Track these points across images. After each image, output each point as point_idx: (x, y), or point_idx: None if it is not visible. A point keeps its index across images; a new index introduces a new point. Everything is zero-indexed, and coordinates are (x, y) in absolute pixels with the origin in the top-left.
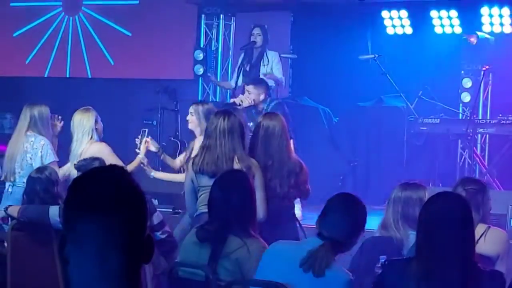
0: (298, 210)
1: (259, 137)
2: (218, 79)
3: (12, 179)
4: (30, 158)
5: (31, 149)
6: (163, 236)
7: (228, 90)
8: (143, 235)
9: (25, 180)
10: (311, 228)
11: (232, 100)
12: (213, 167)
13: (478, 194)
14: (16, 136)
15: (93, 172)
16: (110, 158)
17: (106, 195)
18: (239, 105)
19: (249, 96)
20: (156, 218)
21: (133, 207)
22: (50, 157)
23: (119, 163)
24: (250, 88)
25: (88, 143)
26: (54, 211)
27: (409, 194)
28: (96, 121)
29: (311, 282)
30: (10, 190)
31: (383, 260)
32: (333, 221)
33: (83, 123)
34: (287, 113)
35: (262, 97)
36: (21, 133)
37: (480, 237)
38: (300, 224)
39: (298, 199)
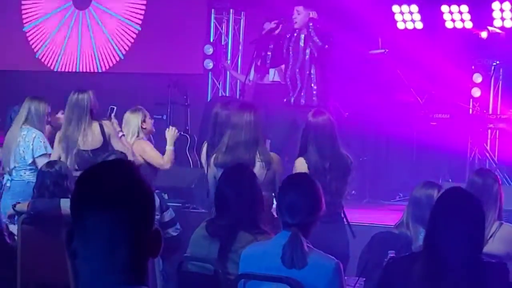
0: None
1: (310, 138)
2: (228, 74)
3: (8, 171)
4: (23, 151)
5: (23, 142)
6: (174, 234)
7: (238, 84)
8: (150, 229)
9: (22, 174)
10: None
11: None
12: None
13: (496, 185)
14: (13, 128)
15: (100, 166)
16: (152, 155)
17: (113, 190)
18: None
19: (297, 17)
20: (168, 216)
21: (140, 201)
22: (41, 149)
23: (160, 160)
24: (299, 8)
25: (132, 142)
26: (65, 204)
27: (422, 193)
28: (144, 121)
29: (298, 276)
30: (8, 184)
31: (391, 255)
32: (292, 206)
33: (130, 122)
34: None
35: (312, 16)
36: (17, 125)
37: (493, 234)
38: (349, 224)
39: None
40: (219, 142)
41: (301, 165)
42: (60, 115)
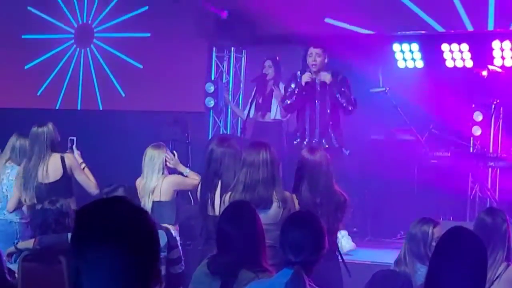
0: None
1: (304, 174)
2: (229, 111)
3: None
4: (6, 190)
5: (7, 180)
6: (179, 271)
7: (239, 122)
8: (154, 265)
9: (5, 213)
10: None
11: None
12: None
13: (505, 225)
14: None
15: (101, 202)
16: (188, 182)
17: (116, 225)
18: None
19: (317, 60)
20: (175, 254)
21: (140, 237)
22: None
23: (195, 181)
24: (318, 50)
25: (160, 179)
26: None
27: (419, 229)
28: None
29: None
30: None
31: None
32: (296, 243)
33: (154, 160)
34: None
35: (326, 60)
36: (1, 163)
37: (499, 275)
38: (340, 254)
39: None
40: (213, 179)
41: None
42: None
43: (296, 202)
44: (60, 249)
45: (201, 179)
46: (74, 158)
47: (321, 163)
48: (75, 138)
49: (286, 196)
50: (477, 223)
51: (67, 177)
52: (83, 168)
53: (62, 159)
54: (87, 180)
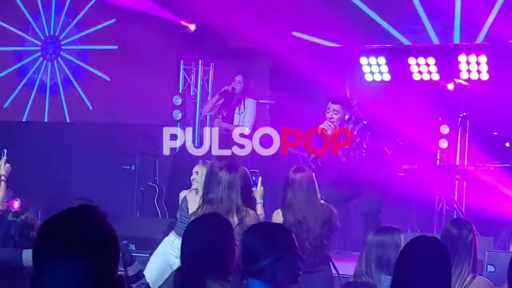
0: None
1: (289, 192)
2: (197, 125)
3: None
4: None
5: None
6: (143, 287)
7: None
8: (113, 275)
9: None
10: None
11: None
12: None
13: (471, 236)
14: None
15: (63, 213)
16: None
17: (75, 236)
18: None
19: (335, 117)
20: (132, 270)
21: (103, 247)
22: None
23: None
24: (336, 107)
25: None
26: (28, 254)
27: (382, 238)
28: None
29: None
30: None
31: None
32: (248, 253)
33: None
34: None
35: (347, 117)
36: None
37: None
38: (333, 264)
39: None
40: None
41: (276, 216)
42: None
43: (281, 217)
44: (12, 266)
45: (202, 194)
46: None
47: (301, 182)
48: (5, 151)
49: (244, 215)
50: (443, 234)
51: None
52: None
53: None
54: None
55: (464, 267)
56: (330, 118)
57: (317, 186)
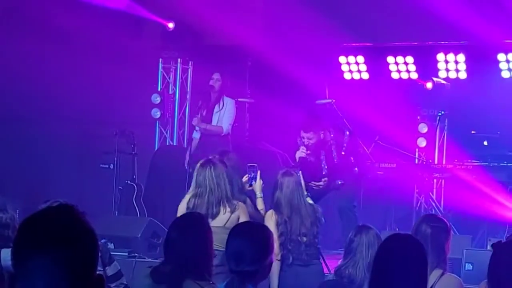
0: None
1: (278, 193)
2: (175, 124)
3: None
4: None
5: None
6: (122, 287)
7: (185, 133)
8: (93, 273)
9: None
10: None
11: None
12: (205, 211)
13: (442, 233)
14: None
15: (44, 211)
16: None
17: (54, 233)
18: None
19: (311, 142)
20: (111, 270)
21: (82, 245)
22: None
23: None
24: (309, 135)
25: None
26: (5, 254)
27: (364, 236)
28: None
29: None
30: None
31: None
32: (236, 252)
33: None
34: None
35: (322, 136)
36: None
37: (433, 285)
38: (324, 260)
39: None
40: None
41: (268, 216)
42: None
43: (274, 217)
44: None
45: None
46: None
47: (288, 185)
48: None
49: (234, 204)
50: (414, 230)
51: None
52: None
53: None
54: None
55: (433, 264)
56: (307, 145)
57: (304, 187)
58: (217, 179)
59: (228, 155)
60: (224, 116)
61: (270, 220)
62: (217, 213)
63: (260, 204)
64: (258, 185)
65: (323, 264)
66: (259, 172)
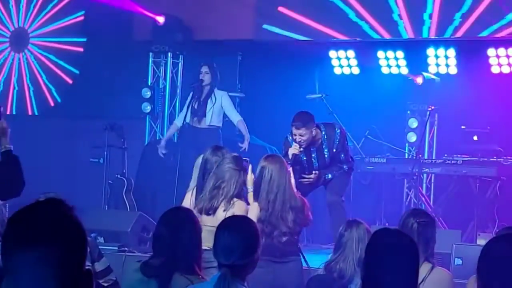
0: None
1: (261, 177)
2: (166, 118)
3: None
4: None
5: None
6: (105, 284)
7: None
8: (81, 268)
9: None
10: None
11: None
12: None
13: (428, 227)
14: None
15: (32, 205)
16: None
17: (41, 229)
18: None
19: (303, 139)
20: (100, 265)
21: (70, 240)
22: None
23: None
24: (301, 131)
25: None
26: None
27: (355, 231)
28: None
29: None
30: None
31: None
32: (225, 246)
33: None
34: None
35: (314, 132)
36: None
37: (424, 278)
38: (304, 257)
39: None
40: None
41: (253, 208)
42: None
43: (256, 210)
44: None
45: (196, 188)
46: None
47: (274, 168)
48: None
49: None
50: (400, 224)
51: None
52: None
53: None
54: None
55: (421, 258)
56: (299, 141)
57: (290, 176)
58: (215, 176)
59: (221, 150)
60: (227, 109)
61: (253, 211)
62: (215, 210)
63: (251, 198)
64: (249, 179)
65: (303, 260)
66: (250, 166)
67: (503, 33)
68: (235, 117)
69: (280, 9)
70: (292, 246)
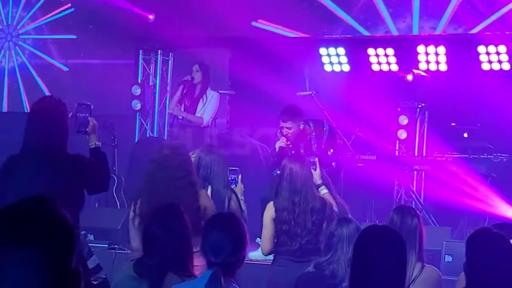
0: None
1: (284, 178)
2: (156, 115)
3: None
4: None
5: None
6: (95, 283)
7: (166, 125)
8: (69, 267)
9: None
10: None
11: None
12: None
13: (416, 224)
14: None
15: (19, 203)
16: None
17: (29, 226)
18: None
19: (290, 132)
20: (90, 263)
21: (56, 239)
22: None
23: None
24: (288, 124)
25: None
26: None
27: (345, 230)
28: None
29: None
30: None
31: None
32: (215, 244)
33: None
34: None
35: (302, 126)
36: None
37: (414, 278)
38: None
39: None
40: (203, 184)
41: (268, 209)
42: None
43: (272, 210)
44: None
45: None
46: None
47: (299, 170)
48: None
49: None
50: (387, 222)
51: None
52: None
53: None
54: None
55: (409, 256)
56: (286, 135)
57: (312, 176)
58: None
59: (212, 149)
60: (207, 108)
61: (269, 211)
62: None
63: (243, 206)
64: (239, 188)
65: None
66: (240, 176)
67: (493, 30)
68: (206, 117)
69: (269, 6)
70: (312, 246)
